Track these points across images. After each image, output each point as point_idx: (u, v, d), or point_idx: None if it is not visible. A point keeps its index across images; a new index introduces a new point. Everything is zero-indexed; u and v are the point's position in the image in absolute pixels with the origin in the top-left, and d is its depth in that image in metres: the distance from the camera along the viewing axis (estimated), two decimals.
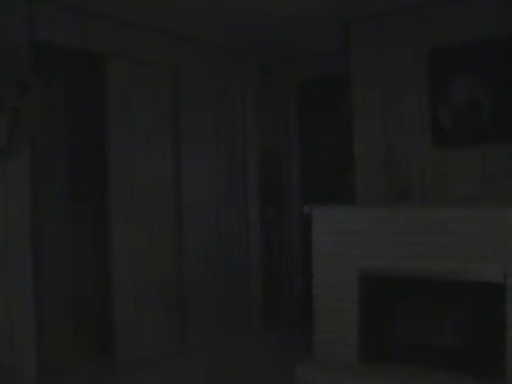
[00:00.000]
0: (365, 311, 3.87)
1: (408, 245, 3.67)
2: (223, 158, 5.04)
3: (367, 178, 4.38)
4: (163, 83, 4.55)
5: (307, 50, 5.18)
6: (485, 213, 3.41)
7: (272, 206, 5.59)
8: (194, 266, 4.74)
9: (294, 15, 4.22)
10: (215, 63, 4.97)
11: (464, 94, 3.97)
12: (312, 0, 3.93)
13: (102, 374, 4.09)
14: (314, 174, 5.46)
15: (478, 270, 3.43)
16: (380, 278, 3.81)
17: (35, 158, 3.82)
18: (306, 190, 5.49)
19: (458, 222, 3.50)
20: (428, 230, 3.59)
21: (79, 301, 4.74)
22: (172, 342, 4.59)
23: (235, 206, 5.14)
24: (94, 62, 4.29)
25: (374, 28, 4.36)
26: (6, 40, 3.47)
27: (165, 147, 4.56)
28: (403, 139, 4.23)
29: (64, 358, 4.47)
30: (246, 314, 5.21)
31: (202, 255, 4.81)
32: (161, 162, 4.53)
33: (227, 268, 5.05)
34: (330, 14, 4.24)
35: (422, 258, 3.62)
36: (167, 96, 4.58)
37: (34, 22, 3.65)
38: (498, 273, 3.35)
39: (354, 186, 4.46)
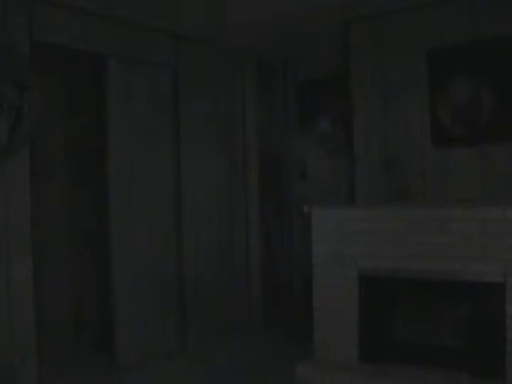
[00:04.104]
0: (365, 311, 3.87)
1: (408, 245, 3.67)
2: (223, 157, 5.04)
3: (367, 177, 4.38)
4: (163, 83, 4.55)
5: (307, 49, 5.18)
6: (485, 213, 3.41)
7: (272, 205, 5.59)
8: (194, 265, 4.74)
9: (294, 15, 4.22)
10: (215, 63, 4.97)
11: (464, 93, 3.97)
12: (312, 0, 3.93)
13: (102, 373, 4.09)
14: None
15: (478, 270, 3.42)
16: (380, 278, 3.81)
17: (35, 158, 3.81)
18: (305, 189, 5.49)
19: (458, 221, 3.49)
20: (428, 230, 3.59)
21: (79, 301, 4.74)
22: (172, 341, 4.60)
23: (235, 205, 5.14)
24: (94, 61, 4.29)
25: (374, 28, 4.36)
26: (6, 40, 3.47)
27: (165, 147, 4.56)
28: (403, 139, 4.23)
29: (64, 358, 4.47)
30: (245, 314, 5.21)
31: (201, 255, 4.81)
32: (161, 162, 4.53)
33: (227, 268, 5.05)
34: (330, 13, 4.24)
35: (422, 258, 3.62)
36: (167, 96, 4.58)
37: (34, 22, 3.65)
38: (498, 273, 3.35)
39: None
